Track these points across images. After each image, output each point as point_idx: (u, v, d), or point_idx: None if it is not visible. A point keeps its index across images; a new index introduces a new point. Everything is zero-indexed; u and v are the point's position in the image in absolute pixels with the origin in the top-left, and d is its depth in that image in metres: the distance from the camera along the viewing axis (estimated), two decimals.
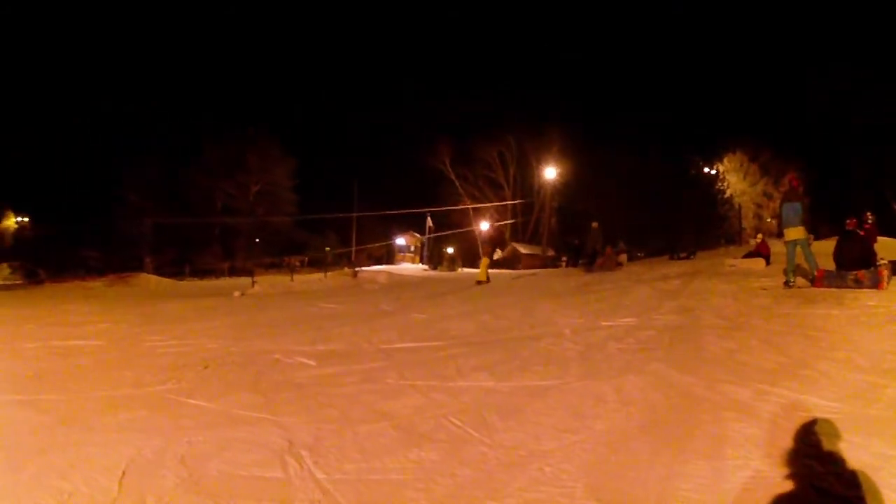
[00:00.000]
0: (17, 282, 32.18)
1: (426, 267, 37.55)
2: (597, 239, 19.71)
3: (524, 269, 32.95)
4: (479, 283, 15.63)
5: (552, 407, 3.40)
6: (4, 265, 35.55)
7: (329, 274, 26.41)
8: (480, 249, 17.83)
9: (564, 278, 16.63)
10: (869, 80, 39.03)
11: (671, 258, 24.97)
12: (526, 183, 52.85)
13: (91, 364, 5.32)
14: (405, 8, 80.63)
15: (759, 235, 18.18)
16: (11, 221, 52.14)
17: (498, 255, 17.80)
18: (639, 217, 45.73)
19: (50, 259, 41.29)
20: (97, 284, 26.56)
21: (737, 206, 47.50)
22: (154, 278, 29.44)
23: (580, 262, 22.95)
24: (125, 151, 50.47)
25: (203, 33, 77.06)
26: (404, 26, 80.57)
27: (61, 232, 45.45)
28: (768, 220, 44.26)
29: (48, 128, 51.57)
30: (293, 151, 54.51)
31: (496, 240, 19.36)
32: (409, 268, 36.92)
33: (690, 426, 2.98)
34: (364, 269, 29.40)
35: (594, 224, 20.05)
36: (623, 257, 22.34)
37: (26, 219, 52.45)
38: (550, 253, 44.78)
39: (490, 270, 16.40)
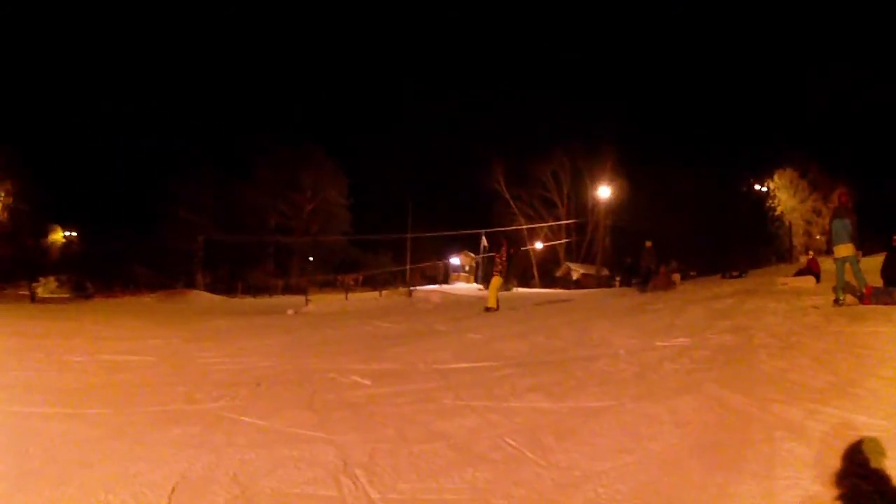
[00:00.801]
0: (65, 295, 32.04)
1: (481, 287, 35.97)
2: (651, 258, 19.04)
3: (576, 289, 32.30)
4: (487, 309, 12.69)
5: (607, 427, 3.33)
6: (51, 279, 35.04)
7: (384, 293, 26.60)
8: (494, 266, 14.29)
9: (618, 298, 16.21)
10: None
11: (723, 277, 24.13)
12: (580, 201, 51.66)
13: (141, 379, 5.21)
14: (464, 32, 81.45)
15: (810, 252, 17.46)
16: (59, 236, 50.58)
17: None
18: (691, 236, 44.36)
19: (98, 274, 40.53)
20: (148, 300, 26.41)
21: (787, 224, 45.43)
22: (206, 294, 28.77)
23: (633, 281, 22.39)
24: (176, 168, 49.08)
25: (258, 52, 78.79)
26: (462, 47, 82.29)
27: (110, 247, 44.34)
28: (817, 237, 42.23)
29: (96, 143, 51.64)
30: (348, 171, 53.11)
31: (513, 258, 14.85)
32: (464, 287, 36.52)
33: (743, 446, 2.89)
34: (418, 288, 29.09)
35: (648, 243, 19.37)
36: (676, 276, 21.64)
37: (74, 233, 50.98)
38: (605, 272, 43.79)
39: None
